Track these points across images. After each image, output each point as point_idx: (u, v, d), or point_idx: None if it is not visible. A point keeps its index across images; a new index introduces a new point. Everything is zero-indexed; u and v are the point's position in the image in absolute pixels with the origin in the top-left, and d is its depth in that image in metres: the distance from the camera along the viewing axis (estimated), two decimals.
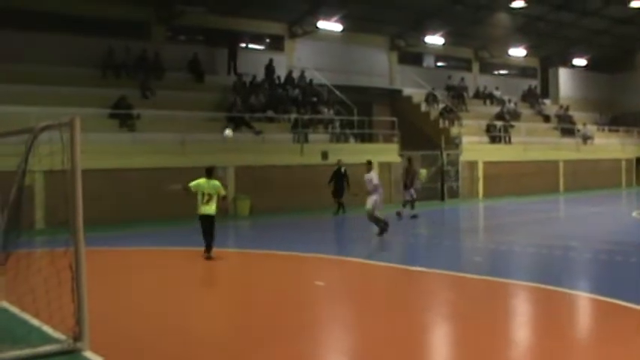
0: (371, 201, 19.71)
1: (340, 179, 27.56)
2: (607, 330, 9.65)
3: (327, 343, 9.14)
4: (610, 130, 50.98)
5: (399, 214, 25.74)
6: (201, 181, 16.26)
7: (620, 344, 8.73)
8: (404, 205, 26.65)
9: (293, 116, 31.69)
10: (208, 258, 16.04)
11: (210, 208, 16.19)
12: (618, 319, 10.13)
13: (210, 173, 16.48)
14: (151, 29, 32.82)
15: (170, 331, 9.48)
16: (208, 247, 16.17)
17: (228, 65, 34.28)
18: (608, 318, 10.35)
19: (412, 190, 27.00)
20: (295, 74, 35.40)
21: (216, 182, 16.46)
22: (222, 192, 16.58)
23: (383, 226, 19.76)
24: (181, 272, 14.96)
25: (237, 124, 29.35)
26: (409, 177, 27.22)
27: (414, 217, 25.92)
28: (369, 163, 20.62)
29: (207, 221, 16.18)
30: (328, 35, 37.31)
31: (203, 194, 16.17)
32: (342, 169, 27.63)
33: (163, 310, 10.93)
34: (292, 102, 33.25)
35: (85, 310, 8.18)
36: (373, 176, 20.12)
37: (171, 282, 13.68)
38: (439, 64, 46.39)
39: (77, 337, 8.20)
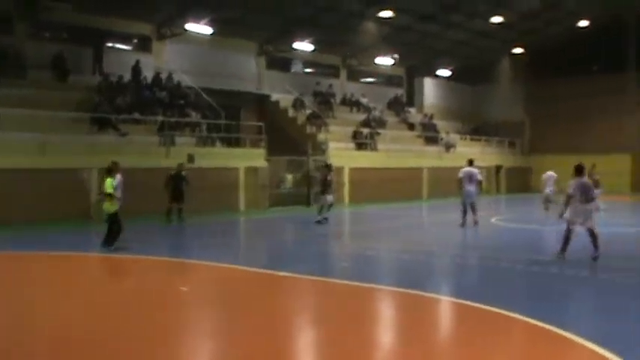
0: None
1: (180, 183, 26.43)
2: (467, 332, 10.06)
3: (187, 350, 9.06)
4: (471, 139, 52.66)
5: (322, 220, 26.13)
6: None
7: (479, 345, 9.13)
8: (320, 211, 26.72)
9: (160, 118, 31.26)
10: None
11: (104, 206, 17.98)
12: (478, 321, 10.58)
13: (109, 171, 17.97)
14: (13, 25, 31.57)
15: None
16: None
17: (94, 65, 33.47)
18: (468, 321, 10.78)
19: (330, 197, 26.90)
20: (163, 76, 34.94)
21: (107, 179, 17.83)
22: (107, 189, 17.77)
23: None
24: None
25: (102, 125, 28.76)
26: (327, 183, 27.17)
27: (322, 221, 26.14)
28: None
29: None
30: (197, 38, 36.98)
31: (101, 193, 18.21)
32: (183, 173, 26.61)
33: None
34: (159, 104, 32.79)
35: None
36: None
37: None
38: (307, 70, 46.79)
39: None
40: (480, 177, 25.89)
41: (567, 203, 15.88)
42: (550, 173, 29.59)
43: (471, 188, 25.38)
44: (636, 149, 49.57)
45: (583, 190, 15.64)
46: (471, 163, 26.27)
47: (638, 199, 41.45)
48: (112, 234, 17.91)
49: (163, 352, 8.88)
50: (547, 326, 9.76)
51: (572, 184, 16.02)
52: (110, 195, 17.71)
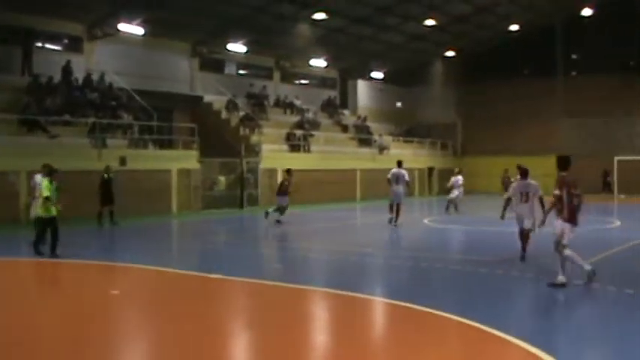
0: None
1: (110, 186, 26.02)
2: (399, 332, 10.25)
3: (113, 354, 8.99)
4: (404, 141, 53.19)
5: (277, 220, 26.70)
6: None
7: (410, 345, 9.27)
8: (277, 211, 27.28)
9: (91, 120, 30.83)
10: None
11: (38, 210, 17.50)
12: (410, 321, 10.76)
13: (49, 173, 17.28)
14: None
15: None
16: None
17: (23, 65, 32.83)
18: (400, 321, 10.96)
19: (287, 198, 27.58)
20: (94, 77, 34.45)
21: (44, 182, 17.22)
22: (44, 192, 17.05)
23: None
24: None
25: (30, 127, 28.28)
26: (288, 185, 27.88)
27: (276, 222, 26.71)
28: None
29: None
30: (129, 39, 36.52)
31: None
32: (109, 176, 26.21)
33: None
34: (90, 106, 32.32)
35: None
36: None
37: None
38: (241, 71, 46.67)
39: None
40: (407, 178, 26.44)
41: (506, 205, 16.20)
42: (457, 177, 32.40)
43: (398, 189, 25.80)
44: (564, 151, 50.45)
45: (525, 192, 16.03)
46: (399, 164, 26.71)
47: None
48: (40, 240, 17.35)
49: (90, 357, 8.80)
50: (479, 325, 9.95)
51: (514, 186, 16.62)
52: (47, 199, 16.85)
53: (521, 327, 10.08)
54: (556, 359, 8.27)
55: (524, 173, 16.59)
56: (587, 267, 13.11)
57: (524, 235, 16.39)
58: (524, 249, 16.32)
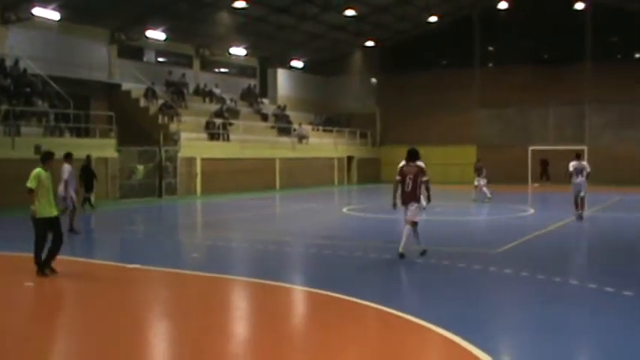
0: None
1: (90, 174, 25.45)
2: (318, 320, 10.37)
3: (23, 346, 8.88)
4: (324, 130, 53.50)
5: None
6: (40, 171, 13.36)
7: (330, 332, 9.40)
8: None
9: (4, 107, 30.11)
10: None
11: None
12: (328, 309, 10.89)
13: (44, 159, 13.71)
14: None
15: None
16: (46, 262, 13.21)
17: None
18: (318, 308, 11.09)
19: None
20: (8, 63, 33.63)
21: (35, 169, 13.43)
22: (28, 183, 13.27)
23: None
24: None
25: None
26: None
27: None
28: None
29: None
30: (45, 24, 35.69)
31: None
32: (89, 164, 25.81)
33: None
34: (3, 92, 31.55)
35: None
36: None
37: None
38: (160, 59, 46.17)
39: None
40: (588, 169, 23.46)
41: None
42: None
43: (580, 181, 23.21)
44: (481, 142, 51.58)
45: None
46: (578, 157, 23.88)
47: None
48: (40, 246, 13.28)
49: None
50: (398, 313, 10.14)
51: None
52: (31, 191, 13.21)
53: (436, 313, 10.26)
54: (471, 344, 8.47)
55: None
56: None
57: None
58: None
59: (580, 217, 23.37)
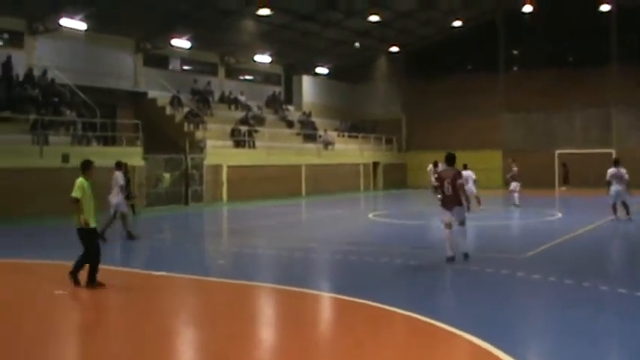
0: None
1: (128, 182, 26.05)
2: (345, 326, 10.36)
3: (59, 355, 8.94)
4: (349, 137, 53.47)
5: None
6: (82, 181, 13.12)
7: (358, 338, 9.40)
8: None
9: (32, 117, 30.38)
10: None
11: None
12: (355, 315, 10.88)
13: (81, 169, 13.38)
14: None
15: None
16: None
17: None
18: (345, 315, 11.11)
19: None
20: (36, 73, 33.93)
21: (78, 179, 13.13)
22: (72, 192, 12.96)
23: None
24: None
25: None
26: None
27: None
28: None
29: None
30: (72, 34, 35.95)
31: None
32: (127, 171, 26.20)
33: None
34: (32, 102, 31.83)
35: None
36: None
37: None
38: (185, 67, 46.41)
39: None
40: (627, 177, 23.83)
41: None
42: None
43: (618, 188, 23.83)
44: (506, 146, 51.39)
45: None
46: (616, 163, 24.46)
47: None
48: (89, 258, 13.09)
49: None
50: (425, 318, 10.12)
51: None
52: (77, 201, 12.92)
53: (464, 319, 10.22)
54: (501, 350, 8.44)
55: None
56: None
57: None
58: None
59: (630, 219, 23.81)
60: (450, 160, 15.79)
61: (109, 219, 20.38)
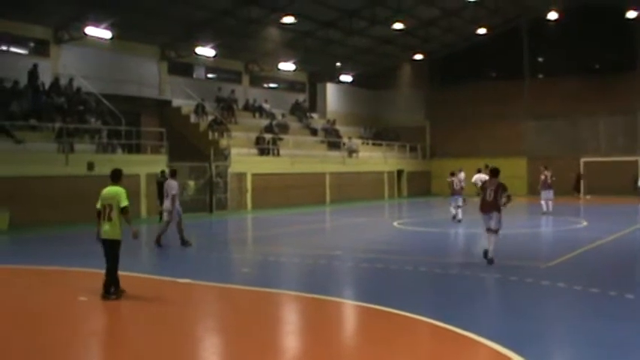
0: None
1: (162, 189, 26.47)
2: (371, 334, 10.30)
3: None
4: (374, 144, 53.43)
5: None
6: (104, 190, 12.79)
7: (383, 347, 9.32)
8: None
9: (58, 125, 30.58)
10: (106, 298, 12.50)
11: (107, 228, 12.46)
12: (380, 323, 10.84)
13: (115, 178, 12.91)
14: None
15: None
16: (107, 285, 12.57)
17: None
18: (370, 323, 11.06)
19: None
20: (62, 81, 34.16)
21: (118, 188, 12.64)
22: (123, 202, 12.45)
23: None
24: None
25: None
26: None
27: None
28: None
29: (106, 247, 12.61)
30: (97, 42, 36.16)
31: (104, 207, 12.53)
32: (163, 178, 26.92)
33: None
34: (57, 110, 32.04)
35: None
36: None
37: None
38: (209, 75, 46.61)
39: None
40: None
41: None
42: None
43: None
44: (531, 154, 51.13)
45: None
46: None
47: (535, 200, 42.66)
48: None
49: None
50: (450, 327, 10.06)
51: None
52: (125, 210, 12.53)
53: (489, 328, 10.15)
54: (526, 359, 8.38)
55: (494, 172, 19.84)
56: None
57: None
58: None
59: None
60: (495, 172, 17.14)
61: (163, 225, 21.25)
